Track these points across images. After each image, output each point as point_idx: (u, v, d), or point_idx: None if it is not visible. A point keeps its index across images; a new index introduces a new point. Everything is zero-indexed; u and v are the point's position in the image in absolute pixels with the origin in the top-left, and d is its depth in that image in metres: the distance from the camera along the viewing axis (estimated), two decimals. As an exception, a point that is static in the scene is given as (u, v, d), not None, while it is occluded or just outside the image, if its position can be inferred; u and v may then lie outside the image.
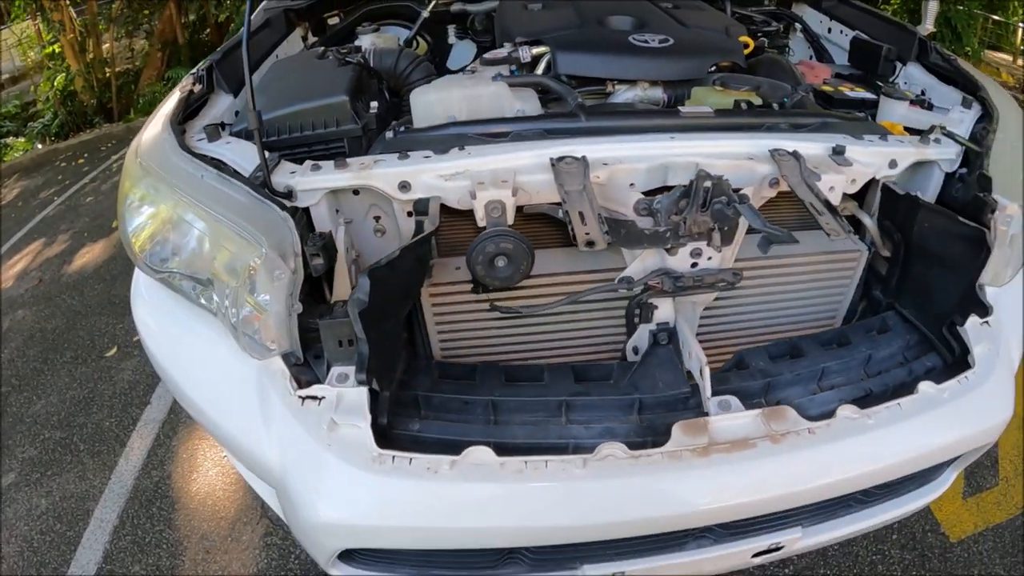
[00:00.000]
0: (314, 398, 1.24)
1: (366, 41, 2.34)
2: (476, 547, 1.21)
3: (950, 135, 1.65)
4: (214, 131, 1.64)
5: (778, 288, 1.64)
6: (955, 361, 1.50)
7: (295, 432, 1.23)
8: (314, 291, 1.48)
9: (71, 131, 7.93)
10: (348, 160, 1.45)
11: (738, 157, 1.45)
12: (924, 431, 1.33)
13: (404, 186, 1.40)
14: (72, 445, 2.92)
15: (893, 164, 1.58)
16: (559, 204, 1.38)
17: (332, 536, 1.22)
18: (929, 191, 1.68)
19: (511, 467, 1.17)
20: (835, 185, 1.45)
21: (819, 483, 1.27)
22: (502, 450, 1.21)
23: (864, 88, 2.01)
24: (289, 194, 1.43)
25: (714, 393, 1.30)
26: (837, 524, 1.52)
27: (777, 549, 1.47)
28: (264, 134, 1.63)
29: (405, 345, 1.51)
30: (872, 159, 1.55)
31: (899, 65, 2.10)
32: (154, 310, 1.58)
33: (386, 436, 1.29)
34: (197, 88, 1.84)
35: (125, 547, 2.36)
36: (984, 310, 1.45)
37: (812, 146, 1.51)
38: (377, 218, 1.55)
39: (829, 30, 2.49)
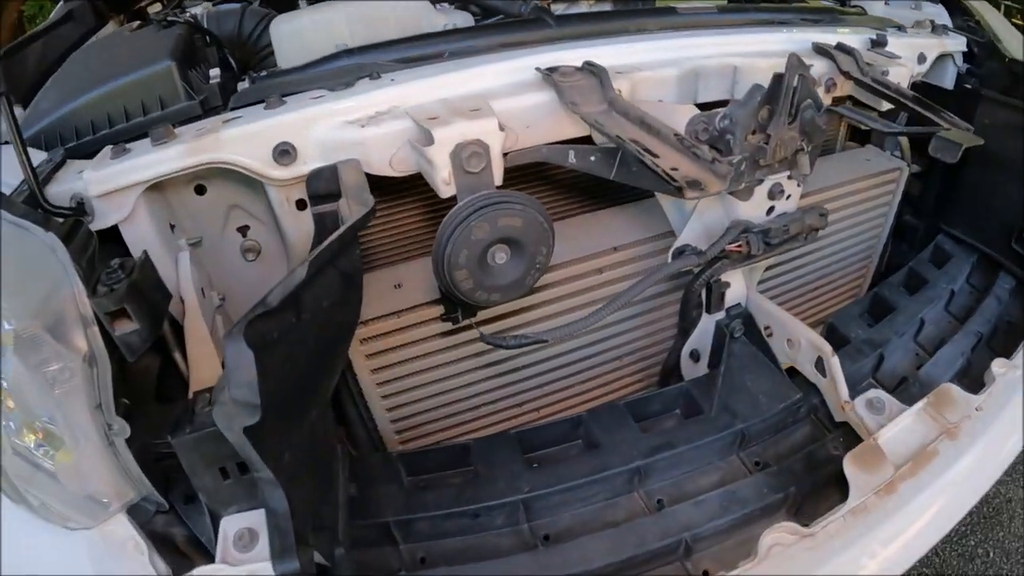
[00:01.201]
0: None
1: (197, 9, 1.51)
2: None
3: (946, 27, 1.21)
4: None
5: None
6: None
7: None
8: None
9: None
10: (177, 129, 0.70)
11: (781, 55, 0.86)
12: None
13: (285, 152, 0.66)
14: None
15: (922, 59, 1.12)
16: (566, 144, 0.70)
17: None
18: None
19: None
20: (901, 81, 0.92)
21: (1003, 466, 0.84)
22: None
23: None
24: (81, 209, 0.71)
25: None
26: None
27: None
28: (57, 139, 0.89)
29: (336, 433, 0.78)
30: (904, 52, 1.06)
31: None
32: None
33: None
34: None
35: None
36: None
37: (849, 39, 0.98)
38: (244, 229, 0.80)
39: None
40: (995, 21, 1.30)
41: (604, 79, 0.68)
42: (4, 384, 0.58)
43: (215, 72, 1.02)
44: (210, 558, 0.62)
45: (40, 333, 0.56)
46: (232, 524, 0.60)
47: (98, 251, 0.64)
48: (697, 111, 0.71)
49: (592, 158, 0.68)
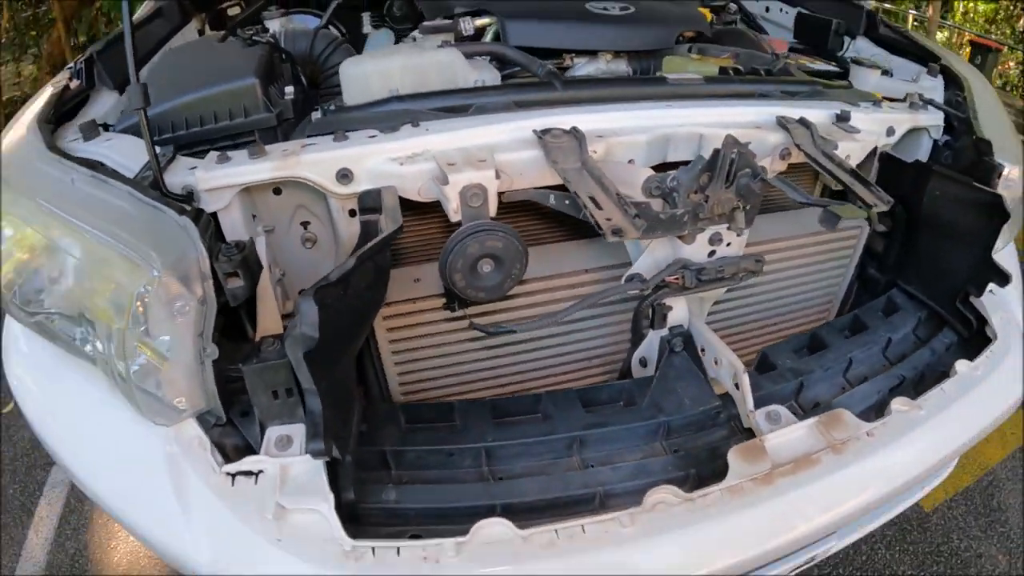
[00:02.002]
0: (249, 474, 0.85)
1: (275, 25, 1.86)
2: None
3: (930, 102, 1.43)
4: (90, 128, 1.18)
5: (779, 274, 1.35)
6: (971, 335, 1.31)
7: (228, 524, 0.83)
8: (228, 323, 1.04)
9: (-49, 164, 6.65)
10: (267, 147, 1.01)
11: (745, 126, 1.14)
12: (970, 412, 1.14)
13: (344, 175, 0.97)
14: (-27, 520, 2.32)
15: (891, 132, 1.34)
16: (549, 188, 1.00)
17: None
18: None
19: (539, 541, 0.80)
20: (851, 154, 1.17)
21: (887, 489, 1.03)
22: (512, 513, 0.84)
23: (822, 61, 1.76)
24: (189, 196, 1.01)
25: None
26: (864, 522, 1.28)
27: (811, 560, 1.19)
28: (155, 130, 1.17)
29: (356, 386, 1.08)
30: (872, 126, 1.30)
31: (847, 40, 1.88)
32: (34, 365, 1.10)
33: (354, 515, 0.87)
34: (74, 84, 1.37)
35: (45, 635, 1.84)
36: (1003, 278, 1.23)
37: (816, 113, 1.24)
38: (306, 224, 1.12)
39: (767, 9, 2.26)
40: (983, 99, 1.49)
41: (582, 143, 0.96)
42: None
43: (290, 90, 1.34)
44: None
45: (173, 280, 0.84)
46: (275, 431, 0.88)
47: (212, 231, 0.96)
48: (652, 173, 0.99)
49: (566, 201, 0.97)
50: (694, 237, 1.03)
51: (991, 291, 1.31)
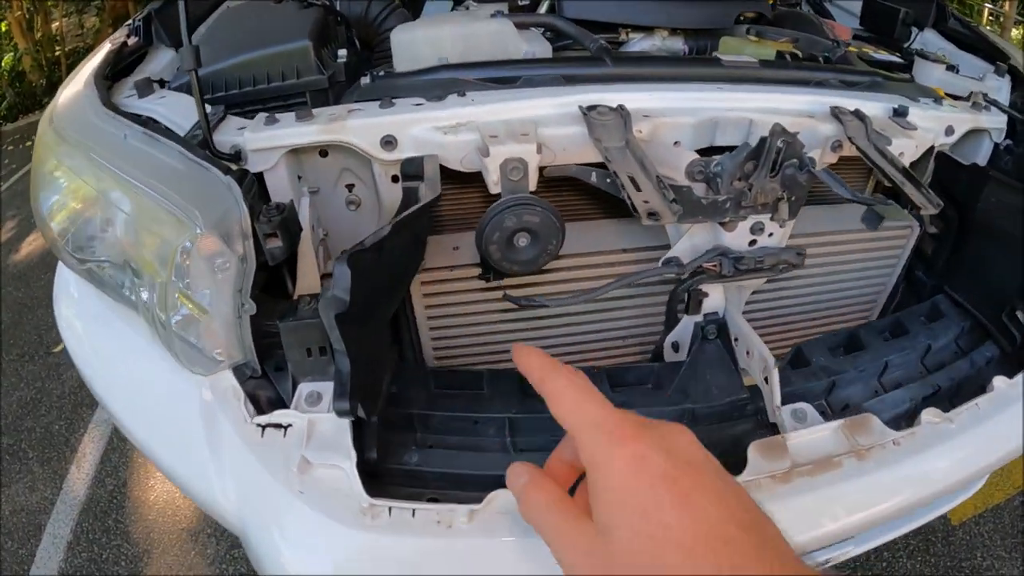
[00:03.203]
0: (278, 426, 0.87)
1: (331, -10, 1.86)
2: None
3: (994, 103, 1.35)
4: (145, 85, 1.20)
5: (821, 269, 1.30)
6: (1014, 350, 1.23)
7: (254, 473, 0.84)
8: (270, 280, 1.06)
9: (19, 112, 6.98)
10: (314, 111, 1.02)
11: (798, 115, 1.09)
12: (1003, 432, 1.06)
13: (388, 142, 0.97)
14: (20, 452, 2.51)
15: (950, 131, 1.26)
16: (591, 165, 0.98)
17: (310, 612, 0.82)
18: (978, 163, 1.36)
19: (552, 517, 0.79)
20: (904, 151, 1.11)
21: (907, 501, 0.97)
22: (529, 486, 0.82)
23: (886, 51, 1.68)
24: (237, 156, 1.02)
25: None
26: (883, 531, 1.22)
27: (825, 563, 1.17)
28: (209, 88, 1.20)
29: (391, 348, 1.10)
30: (930, 124, 1.22)
31: (915, 31, 1.78)
32: (83, 310, 1.16)
33: (375, 473, 0.89)
34: (132, 41, 1.41)
35: (81, 565, 2.02)
36: None
37: (872, 106, 1.17)
38: (350, 186, 1.13)
39: (836, -8, 2.15)
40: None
41: (628, 122, 0.94)
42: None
43: (343, 52, 1.35)
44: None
45: (215, 238, 0.86)
46: (306, 388, 0.89)
47: (256, 192, 0.98)
48: (696, 157, 0.97)
49: (608, 180, 0.95)
50: (736, 225, 1.00)
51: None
